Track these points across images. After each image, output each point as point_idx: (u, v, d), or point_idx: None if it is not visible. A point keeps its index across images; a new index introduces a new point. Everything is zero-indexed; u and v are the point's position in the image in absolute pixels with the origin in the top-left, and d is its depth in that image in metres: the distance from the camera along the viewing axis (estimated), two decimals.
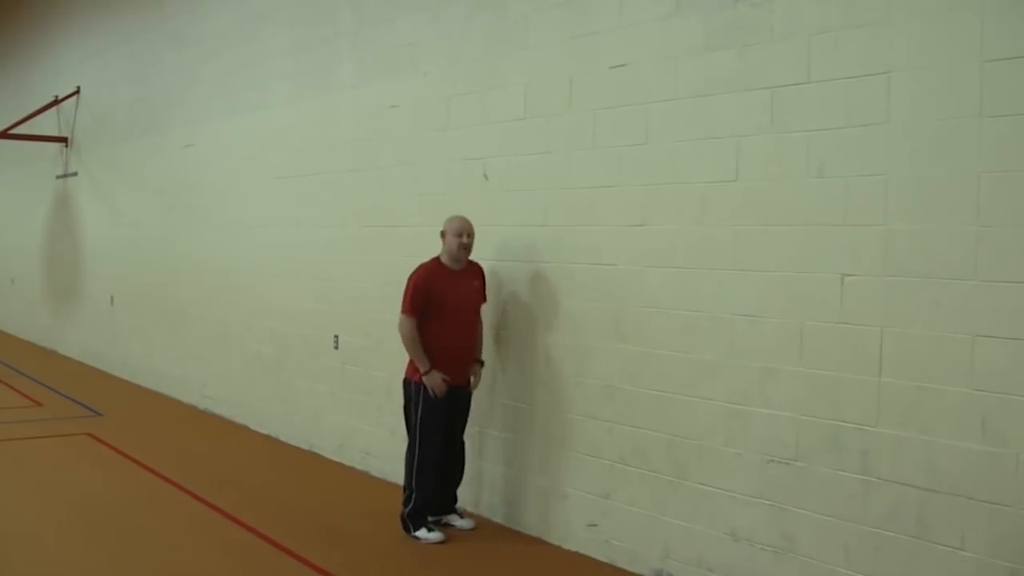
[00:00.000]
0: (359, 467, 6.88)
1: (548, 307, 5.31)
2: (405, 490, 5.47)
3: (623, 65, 4.87)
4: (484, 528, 5.63)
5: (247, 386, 8.44)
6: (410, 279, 5.40)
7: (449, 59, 6.05)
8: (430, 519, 5.46)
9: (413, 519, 5.41)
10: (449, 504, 5.60)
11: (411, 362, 5.41)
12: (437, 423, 5.37)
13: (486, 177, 5.70)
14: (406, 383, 5.47)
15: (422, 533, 5.37)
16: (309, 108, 7.55)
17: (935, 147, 3.65)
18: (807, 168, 4.07)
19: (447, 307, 5.33)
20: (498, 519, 5.70)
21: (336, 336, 7.15)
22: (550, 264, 5.29)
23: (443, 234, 5.43)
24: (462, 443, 5.57)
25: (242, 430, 8.34)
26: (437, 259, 5.46)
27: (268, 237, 8.14)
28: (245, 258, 8.54)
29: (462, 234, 5.37)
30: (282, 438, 7.86)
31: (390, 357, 6.49)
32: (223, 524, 5.70)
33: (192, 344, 9.54)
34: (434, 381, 5.29)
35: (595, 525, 5.05)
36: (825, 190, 4.01)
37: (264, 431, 8.13)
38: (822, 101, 4.00)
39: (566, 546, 5.23)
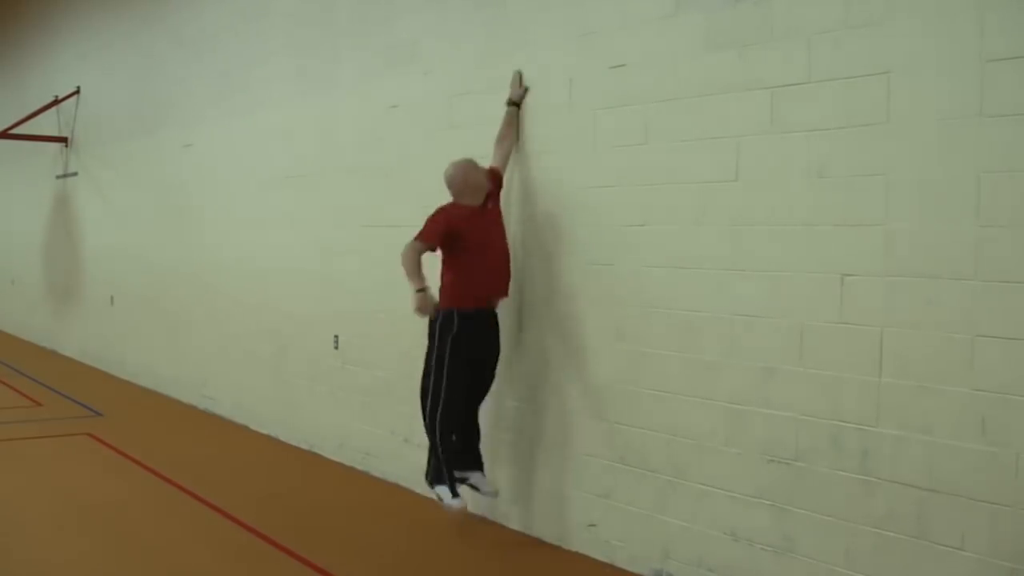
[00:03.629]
0: (359, 467, 6.88)
1: (548, 307, 5.31)
2: (431, 437, 5.24)
3: (623, 65, 4.87)
4: (483, 528, 5.63)
5: (247, 386, 8.44)
6: (436, 213, 5.24)
7: (449, 59, 6.05)
8: (456, 475, 5.27)
9: (436, 471, 5.23)
10: (476, 460, 5.40)
11: (443, 286, 5.20)
12: (478, 353, 5.22)
13: None
14: (438, 311, 5.18)
15: (444, 493, 5.23)
16: (309, 108, 7.55)
17: (935, 147, 3.65)
18: (807, 168, 4.07)
19: (473, 241, 5.18)
20: (498, 519, 5.70)
21: (336, 336, 7.16)
22: (549, 264, 5.29)
23: (455, 178, 5.28)
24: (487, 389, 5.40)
25: (242, 430, 8.34)
26: (457, 203, 5.28)
27: (268, 237, 8.14)
28: (245, 258, 8.54)
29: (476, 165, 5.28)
30: (282, 438, 7.86)
31: (390, 357, 6.50)
32: (223, 524, 5.70)
33: (192, 344, 9.54)
34: (423, 302, 5.02)
35: (595, 525, 5.06)
36: (825, 190, 4.01)
37: (264, 431, 8.13)
38: (822, 101, 4.00)
39: (566, 546, 5.23)
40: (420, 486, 6.06)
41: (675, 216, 4.61)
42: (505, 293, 5.37)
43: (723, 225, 4.40)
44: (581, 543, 5.14)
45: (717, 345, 4.42)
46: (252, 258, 8.41)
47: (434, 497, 5.40)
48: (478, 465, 5.42)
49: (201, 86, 9.32)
